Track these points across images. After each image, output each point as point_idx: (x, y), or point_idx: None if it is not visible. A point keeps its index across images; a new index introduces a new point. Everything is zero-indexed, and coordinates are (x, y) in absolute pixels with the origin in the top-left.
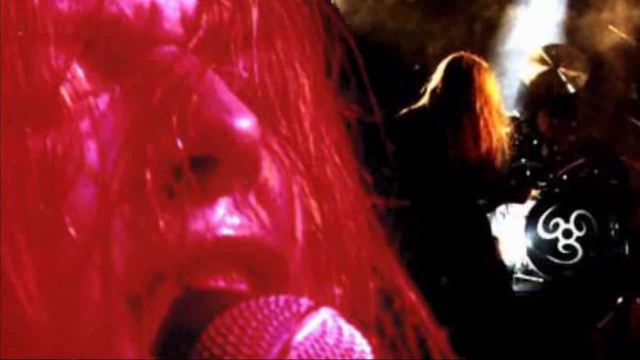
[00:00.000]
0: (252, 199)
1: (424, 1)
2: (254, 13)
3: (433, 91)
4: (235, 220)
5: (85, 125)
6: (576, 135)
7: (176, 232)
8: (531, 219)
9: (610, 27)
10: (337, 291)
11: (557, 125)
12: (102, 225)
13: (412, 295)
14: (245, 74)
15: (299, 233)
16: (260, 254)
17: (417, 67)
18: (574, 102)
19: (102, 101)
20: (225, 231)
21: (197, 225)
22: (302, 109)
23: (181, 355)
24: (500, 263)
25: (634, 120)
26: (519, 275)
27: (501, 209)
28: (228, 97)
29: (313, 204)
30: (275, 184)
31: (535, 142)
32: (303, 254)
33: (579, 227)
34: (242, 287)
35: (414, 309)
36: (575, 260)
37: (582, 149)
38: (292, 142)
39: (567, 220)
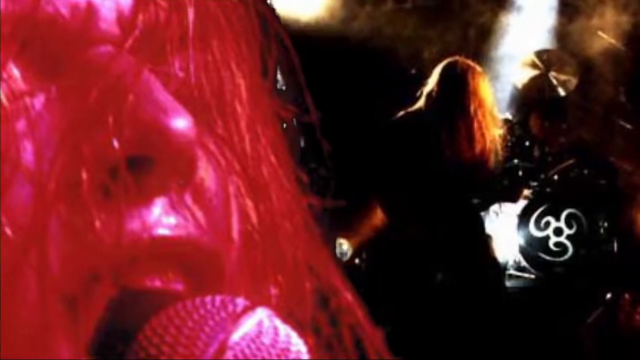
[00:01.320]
0: (188, 199)
1: (420, 8)
2: (190, 13)
3: (429, 94)
4: (172, 220)
5: (21, 125)
6: (566, 136)
7: (112, 232)
8: (523, 217)
9: (600, 32)
10: (274, 291)
11: (548, 127)
12: (38, 225)
13: (348, 295)
14: (181, 74)
15: (235, 233)
16: (196, 254)
17: (413, 71)
18: (565, 105)
19: (38, 101)
20: (162, 231)
21: (133, 225)
22: (239, 109)
23: (118, 355)
24: (494, 260)
25: (622, 123)
26: (512, 271)
27: (494, 207)
28: (164, 97)
29: (249, 204)
30: (212, 184)
31: (527, 143)
32: (239, 254)
33: (569, 225)
34: (179, 287)
35: (350, 309)
36: (566, 257)
37: (572, 150)
38: (228, 142)
39: (558, 219)
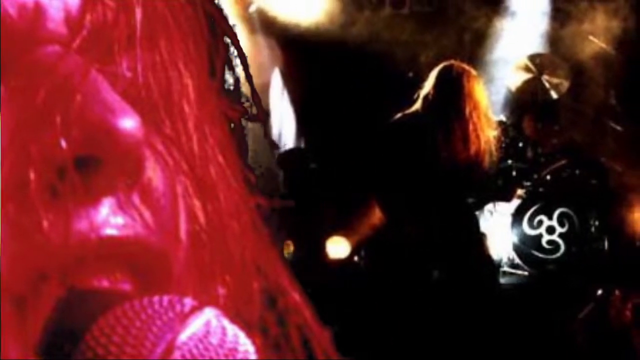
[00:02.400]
0: (136, 199)
1: (417, 13)
2: (138, 13)
3: (425, 97)
4: (119, 220)
5: None
6: (559, 138)
7: (60, 232)
8: (517, 216)
9: (591, 37)
10: (221, 291)
11: (541, 129)
12: None
13: (296, 295)
14: (128, 74)
15: (182, 233)
16: (143, 254)
17: (410, 74)
18: (557, 107)
19: None
20: (109, 231)
21: (81, 225)
22: (186, 109)
23: (65, 355)
24: (488, 257)
25: (612, 125)
26: (506, 268)
27: (489, 207)
28: (111, 97)
29: (197, 204)
30: (159, 184)
31: (520, 144)
32: (187, 254)
33: (561, 224)
34: (126, 287)
35: (298, 309)
36: (558, 255)
37: (564, 151)
38: (175, 142)
39: (550, 218)
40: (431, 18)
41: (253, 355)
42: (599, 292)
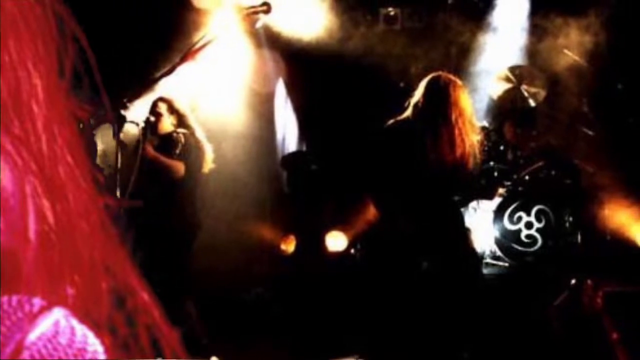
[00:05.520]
0: None
1: (408, 29)
2: None
3: (415, 105)
4: None
5: None
6: (536, 142)
7: None
8: (498, 212)
9: (565, 50)
10: (70, 291)
11: (520, 134)
12: None
13: (145, 295)
14: None
15: (31, 233)
16: None
17: (402, 84)
18: (535, 114)
19: None
20: None
21: None
22: (35, 109)
23: None
24: (472, 250)
25: (585, 130)
26: (488, 260)
27: (473, 204)
28: None
29: (46, 204)
30: (8, 184)
31: (501, 147)
32: (36, 254)
33: (538, 219)
34: None
35: (147, 309)
36: (536, 247)
37: (541, 154)
38: (24, 142)
39: (528, 214)
40: (421, 33)
41: (102, 355)
42: (573, 281)
